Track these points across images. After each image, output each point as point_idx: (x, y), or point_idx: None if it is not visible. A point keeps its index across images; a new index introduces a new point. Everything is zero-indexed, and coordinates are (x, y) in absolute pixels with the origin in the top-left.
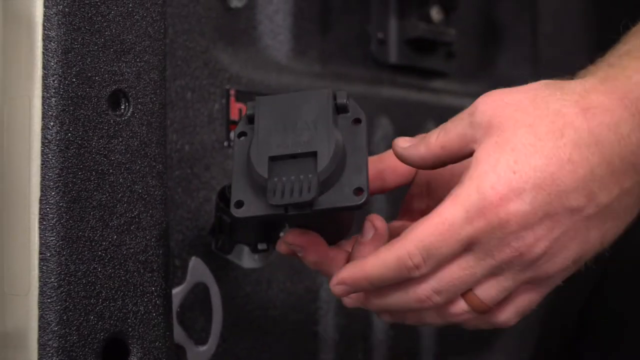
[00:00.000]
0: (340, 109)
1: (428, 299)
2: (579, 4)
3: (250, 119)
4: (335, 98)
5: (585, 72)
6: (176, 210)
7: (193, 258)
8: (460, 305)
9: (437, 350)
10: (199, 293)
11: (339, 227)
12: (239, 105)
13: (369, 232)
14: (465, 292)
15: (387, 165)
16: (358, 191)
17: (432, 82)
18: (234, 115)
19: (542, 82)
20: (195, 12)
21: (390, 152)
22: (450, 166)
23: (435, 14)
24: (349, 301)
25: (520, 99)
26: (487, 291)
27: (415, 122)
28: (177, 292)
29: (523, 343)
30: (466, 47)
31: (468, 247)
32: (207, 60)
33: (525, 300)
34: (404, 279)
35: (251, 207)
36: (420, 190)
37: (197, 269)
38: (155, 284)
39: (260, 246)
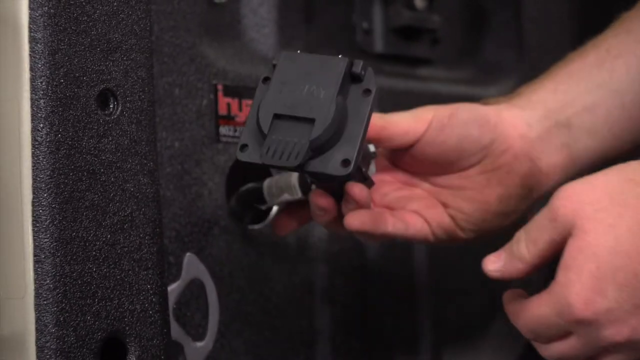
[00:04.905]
0: (354, 78)
1: None
2: None
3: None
4: (351, 66)
5: None
6: (168, 207)
7: (187, 254)
8: None
9: (433, 339)
10: (195, 289)
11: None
12: (227, 99)
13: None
14: None
15: (388, 122)
16: (345, 163)
17: (418, 70)
18: (223, 110)
19: (615, 173)
20: (180, 9)
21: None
22: (459, 148)
23: (419, 1)
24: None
25: (598, 197)
26: None
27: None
28: (173, 288)
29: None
30: (451, 34)
31: (569, 332)
32: (193, 56)
33: None
34: None
35: (252, 154)
36: (420, 157)
37: (192, 265)
38: (151, 282)
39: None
